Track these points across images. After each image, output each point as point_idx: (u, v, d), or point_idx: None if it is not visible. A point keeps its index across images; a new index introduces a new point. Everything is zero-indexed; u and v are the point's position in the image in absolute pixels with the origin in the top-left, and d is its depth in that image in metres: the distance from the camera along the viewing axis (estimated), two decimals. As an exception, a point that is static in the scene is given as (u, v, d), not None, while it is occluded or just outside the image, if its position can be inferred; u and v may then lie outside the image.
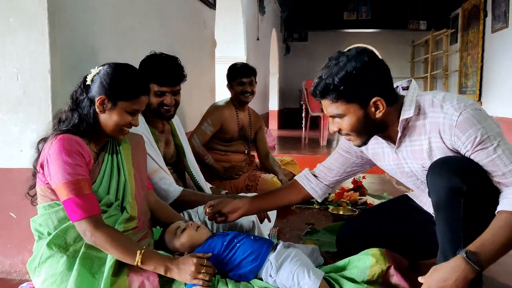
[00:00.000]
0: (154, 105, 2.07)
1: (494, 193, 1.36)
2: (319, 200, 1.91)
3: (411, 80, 1.54)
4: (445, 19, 9.70)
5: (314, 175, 1.85)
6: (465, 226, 1.34)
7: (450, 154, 1.42)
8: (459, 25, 8.74)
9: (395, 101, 1.47)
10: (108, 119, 1.50)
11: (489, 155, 1.33)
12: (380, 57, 1.48)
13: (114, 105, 1.48)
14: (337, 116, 1.46)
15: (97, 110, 1.48)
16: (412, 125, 1.49)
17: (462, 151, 1.39)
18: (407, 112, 1.45)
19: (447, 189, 1.35)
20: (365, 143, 1.53)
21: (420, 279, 1.32)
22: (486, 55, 7.48)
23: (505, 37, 6.67)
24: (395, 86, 1.53)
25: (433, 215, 1.47)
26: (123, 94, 1.48)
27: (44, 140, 1.49)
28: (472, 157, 1.36)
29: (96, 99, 1.47)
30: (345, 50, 1.49)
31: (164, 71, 2.03)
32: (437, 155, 1.45)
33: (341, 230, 1.99)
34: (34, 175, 1.50)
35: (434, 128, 1.42)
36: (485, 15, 7.44)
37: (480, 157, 1.34)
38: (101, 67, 1.50)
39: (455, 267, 1.25)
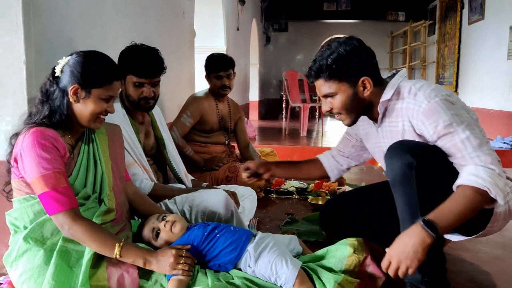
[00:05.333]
0: (134, 97, 2.06)
1: (444, 166, 1.44)
2: (333, 180, 2.08)
3: (404, 69, 1.68)
4: (423, 10, 9.81)
5: (332, 156, 1.98)
6: (420, 197, 1.42)
7: (418, 138, 1.54)
8: (437, 17, 8.86)
9: (381, 83, 1.62)
10: (83, 108, 1.47)
11: (449, 141, 1.42)
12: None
13: (88, 93, 1.46)
14: (329, 95, 1.61)
15: (71, 100, 1.45)
16: (392, 107, 1.61)
17: (427, 136, 1.49)
18: (386, 95, 1.59)
19: (401, 165, 1.43)
20: (354, 122, 1.67)
21: (387, 249, 1.38)
22: (462, 47, 7.60)
23: (481, 29, 6.79)
24: (390, 74, 1.67)
25: None
26: (96, 81, 1.46)
27: (16, 134, 1.46)
28: (437, 142, 1.46)
29: (69, 89, 1.44)
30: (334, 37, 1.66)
31: (143, 63, 2.01)
32: (408, 138, 1.57)
33: (325, 206, 2.12)
34: (9, 170, 1.47)
35: (407, 113, 1.55)
36: (462, 7, 7.55)
37: (444, 143, 1.44)
38: (69, 57, 1.48)
39: (412, 234, 1.32)
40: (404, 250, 1.31)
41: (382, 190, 1.92)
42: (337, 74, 1.56)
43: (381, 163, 1.78)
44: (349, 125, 1.69)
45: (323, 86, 1.60)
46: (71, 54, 1.49)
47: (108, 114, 1.54)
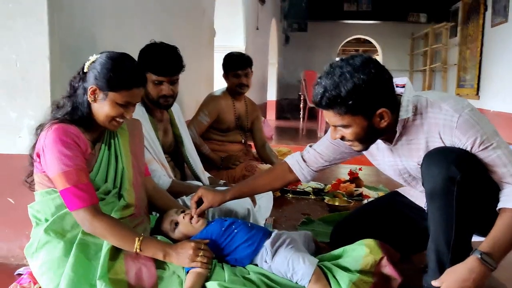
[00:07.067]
0: (153, 95, 2.08)
1: (487, 182, 1.41)
2: (304, 182, 1.94)
3: (405, 78, 1.55)
4: (445, 12, 9.69)
5: (304, 159, 1.82)
6: (457, 213, 1.38)
7: None
8: (459, 19, 8.73)
9: (398, 108, 1.47)
10: (100, 109, 1.47)
11: (489, 155, 1.38)
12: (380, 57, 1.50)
13: (105, 95, 1.46)
14: (341, 126, 1.46)
15: (89, 99, 1.46)
16: (410, 124, 1.51)
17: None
18: (405, 113, 1.47)
19: (444, 177, 1.38)
20: (366, 148, 1.56)
21: (434, 283, 1.37)
22: (485, 50, 7.48)
23: (504, 32, 6.67)
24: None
25: (424, 209, 1.49)
26: (114, 86, 1.44)
27: (41, 126, 1.48)
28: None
29: (88, 88, 1.46)
30: (339, 52, 1.51)
31: (162, 61, 2.03)
32: None
33: (334, 230, 1.98)
34: (31, 163, 1.50)
35: (433, 128, 1.46)
36: (485, 9, 7.43)
37: (483, 157, 1.39)
38: (98, 56, 1.48)
39: (472, 269, 1.32)
40: (464, 284, 1.31)
41: (390, 209, 1.90)
42: (352, 109, 1.39)
43: (395, 179, 1.75)
44: (361, 151, 1.58)
45: (334, 118, 1.44)
46: (101, 53, 1.49)
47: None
